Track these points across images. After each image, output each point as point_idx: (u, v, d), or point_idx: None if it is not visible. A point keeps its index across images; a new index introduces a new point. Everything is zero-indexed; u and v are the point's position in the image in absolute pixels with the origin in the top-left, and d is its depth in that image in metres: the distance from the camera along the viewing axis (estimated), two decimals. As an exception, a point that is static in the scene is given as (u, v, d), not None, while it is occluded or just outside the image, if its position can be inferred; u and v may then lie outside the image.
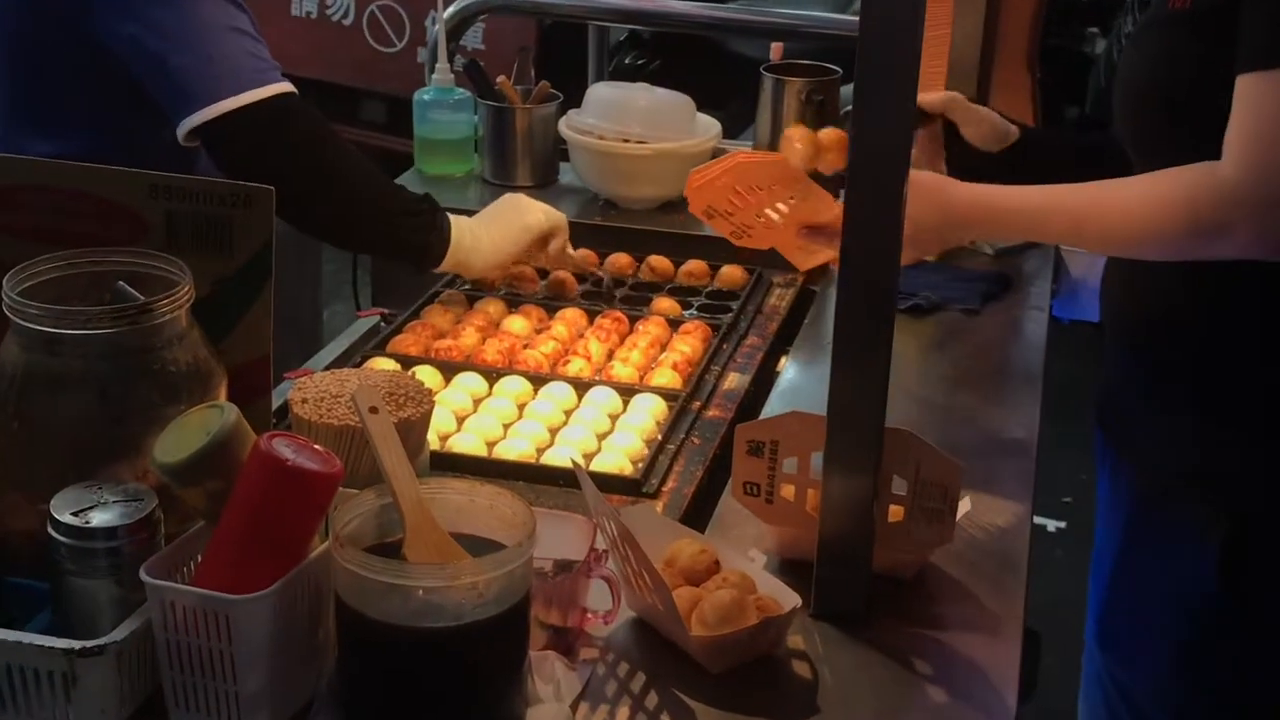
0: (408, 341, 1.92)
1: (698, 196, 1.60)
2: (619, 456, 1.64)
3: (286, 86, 1.79)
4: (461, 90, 2.57)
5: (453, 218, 1.94)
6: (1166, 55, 1.52)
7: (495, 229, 1.99)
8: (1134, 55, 1.58)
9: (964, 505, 1.43)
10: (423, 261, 1.94)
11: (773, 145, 2.39)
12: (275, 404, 1.47)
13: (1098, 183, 1.48)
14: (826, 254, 1.66)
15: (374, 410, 1.22)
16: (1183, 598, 1.58)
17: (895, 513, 1.39)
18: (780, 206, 1.60)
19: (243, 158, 1.76)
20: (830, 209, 1.58)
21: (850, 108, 1.35)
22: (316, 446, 1.18)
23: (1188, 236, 1.40)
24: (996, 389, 1.90)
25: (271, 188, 1.33)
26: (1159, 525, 1.61)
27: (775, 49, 2.56)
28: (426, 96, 2.56)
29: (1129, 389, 1.67)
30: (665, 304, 2.08)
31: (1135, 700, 1.67)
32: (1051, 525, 3.63)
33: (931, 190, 1.54)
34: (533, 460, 1.65)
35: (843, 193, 1.51)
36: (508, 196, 2.07)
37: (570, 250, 2.10)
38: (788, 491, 1.42)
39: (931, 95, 1.82)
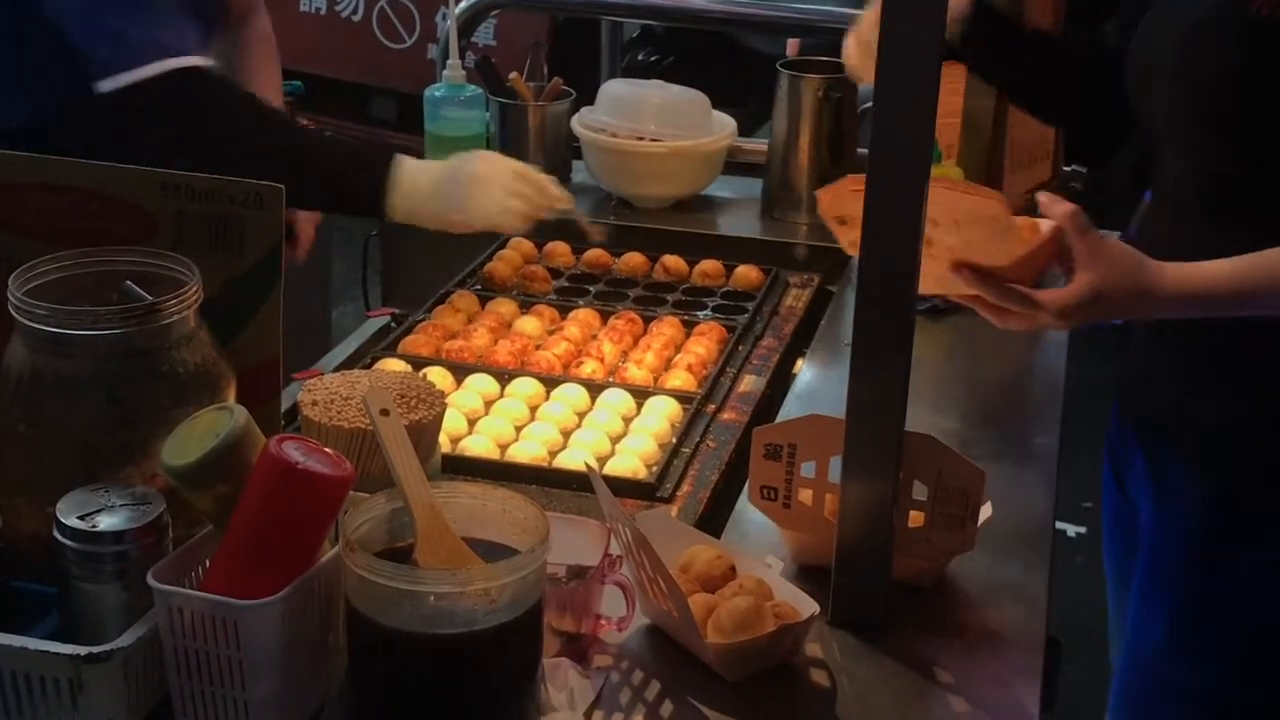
0: (418, 342, 1.90)
1: (840, 202, 1.42)
2: (632, 460, 1.62)
3: (202, 61, 1.77)
4: (473, 87, 2.54)
5: (412, 164, 1.84)
6: (1256, 66, 1.46)
7: (451, 202, 1.84)
8: (1202, 58, 1.51)
9: (985, 511, 1.41)
10: (364, 212, 1.89)
11: (789, 143, 2.37)
12: (285, 406, 1.45)
13: None
14: (967, 291, 1.46)
15: (385, 412, 1.21)
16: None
17: (915, 519, 1.37)
18: (948, 239, 1.39)
19: (155, 127, 1.76)
20: (1010, 253, 1.39)
21: (868, 105, 1.33)
22: (327, 449, 1.16)
23: None
24: (1018, 392, 1.88)
25: (281, 186, 1.31)
26: (1239, 526, 1.58)
27: (791, 45, 2.54)
28: (437, 93, 2.54)
29: (1181, 391, 1.62)
30: (679, 304, 2.06)
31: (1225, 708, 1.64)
32: (1072, 530, 3.61)
33: (1132, 265, 1.42)
34: (545, 463, 1.63)
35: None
36: (481, 167, 1.88)
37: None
38: (806, 496, 1.40)
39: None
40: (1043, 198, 1.44)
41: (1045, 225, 1.41)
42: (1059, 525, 1.67)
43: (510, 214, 1.87)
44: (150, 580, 1.12)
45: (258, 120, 1.82)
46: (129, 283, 1.27)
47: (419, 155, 2.64)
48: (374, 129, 5.30)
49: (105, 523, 1.15)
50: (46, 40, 1.75)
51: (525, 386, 1.78)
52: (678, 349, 1.93)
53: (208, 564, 1.18)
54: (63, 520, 1.15)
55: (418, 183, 1.83)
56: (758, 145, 2.57)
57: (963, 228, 1.38)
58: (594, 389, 1.78)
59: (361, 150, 1.88)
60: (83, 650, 1.11)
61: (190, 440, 1.16)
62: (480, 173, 1.86)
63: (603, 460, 1.63)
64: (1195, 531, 1.63)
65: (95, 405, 1.22)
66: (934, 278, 1.42)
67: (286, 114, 1.95)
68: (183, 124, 1.77)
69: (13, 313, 1.21)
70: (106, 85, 1.72)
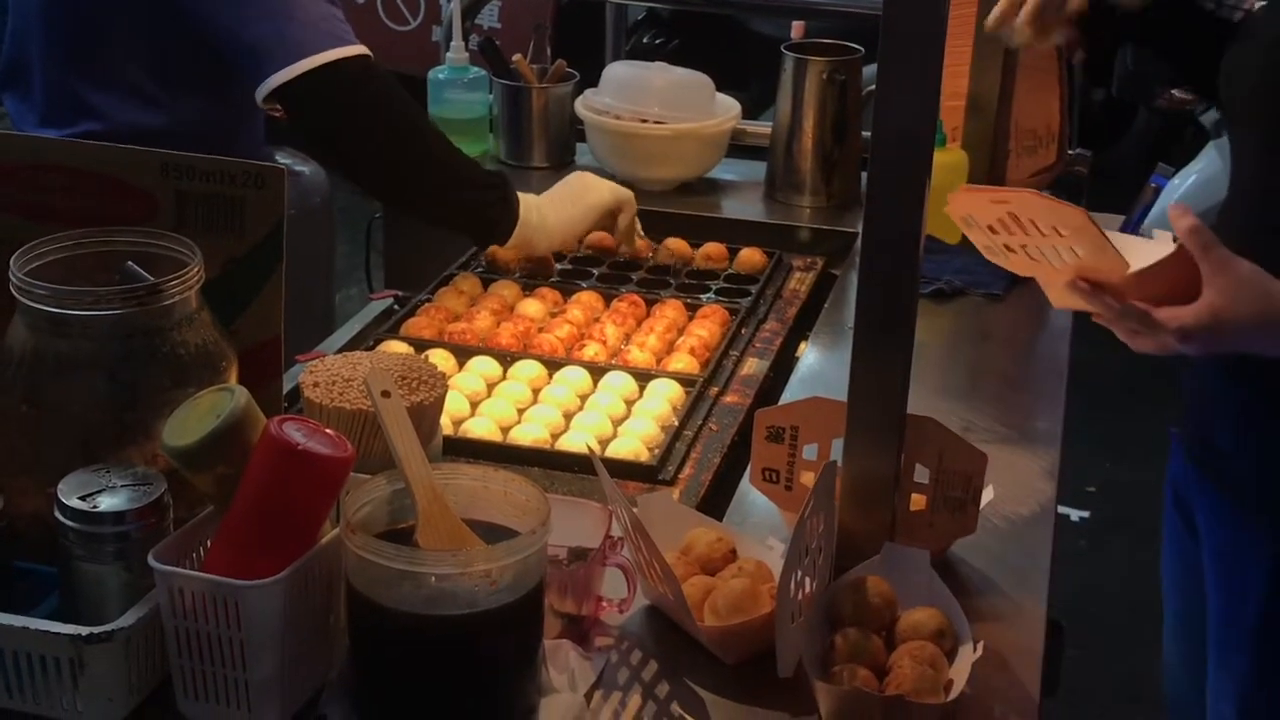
0: (421, 324, 1.90)
1: (966, 202, 1.40)
2: (635, 442, 1.62)
3: (364, 49, 1.78)
4: (476, 69, 2.54)
5: (521, 195, 1.93)
6: None
7: (561, 208, 1.98)
8: None
9: (987, 494, 1.40)
10: (488, 236, 1.94)
11: (793, 126, 2.37)
12: (286, 387, 1.45)
13: None
14: (1085, 304, 1.41)
15: (386, 394, 1.20)
16: None
17: (917, 502, 1.36)
18: (1060, 252, 1.36)
19: (322, 117, 1.77)
20: (1117, 271, 1.34)
21: (873, 87, 1.32)
22: (328, 430, 1.16)
23: None
24: (1021, 376, 1.88)
25: (283, 169, 1.31)
26: None
27: (796, 28, 2.53)
28: (441, 75, 2.54)
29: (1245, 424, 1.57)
30: (682, 287, 2.06)
31: None
32: (1075, 515, 3.62)
33: (1259, 290, 1.31)
34: (547, 446, 1.63)
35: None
36: (575, 175, 2.04)
37: (638, 229, 2.09)
38: (807, 478, 1.40)
39: None
40: (1172, 210, 1.35)
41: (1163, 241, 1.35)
42: (1063, 510, 1.66)
43: (619, 191, 2.03)
44: (151, 561, 1.12)
45: (415, 109, 1.85)
46: (130, 263, 1.27)
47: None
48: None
49: (106, 503, 1.15)
50: (197, 45, 1.76)
51: (527, 369, 1.78)
52: (680, 332, 1.92)
53: (209, 544, 1.18)
54: (64, 501, 1.15)
55: (529, 218, 1.92)
56: (762, 128, 2.57)
57: (1066, 238, 1.32)
58: (596, 371, 1.78)
59: (490, 176, 1.94)
60: (84, 630, 1.11)
61: (191, 421, 1.16)
62: (584, 174, 2.04)
63: (604, 443, 1.63)
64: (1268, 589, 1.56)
65: (96, 386, 1.22)
66: (1062, 289, 1.38)
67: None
68: (351, 108, 1.77)
69: (14, 293, 1.21)
70: (281, 77, 1.72)
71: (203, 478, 1.17)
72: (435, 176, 1.85)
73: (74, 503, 1.15)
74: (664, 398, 1.72)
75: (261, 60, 1.73)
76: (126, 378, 1.22)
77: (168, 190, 1.32)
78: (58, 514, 1.15)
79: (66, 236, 1.27)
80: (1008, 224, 1.37)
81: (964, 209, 1.41)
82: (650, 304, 1.99)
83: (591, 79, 2.52)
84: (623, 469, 1.55)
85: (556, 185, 2.03)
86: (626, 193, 2.05)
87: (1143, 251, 1.37)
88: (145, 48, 1.81)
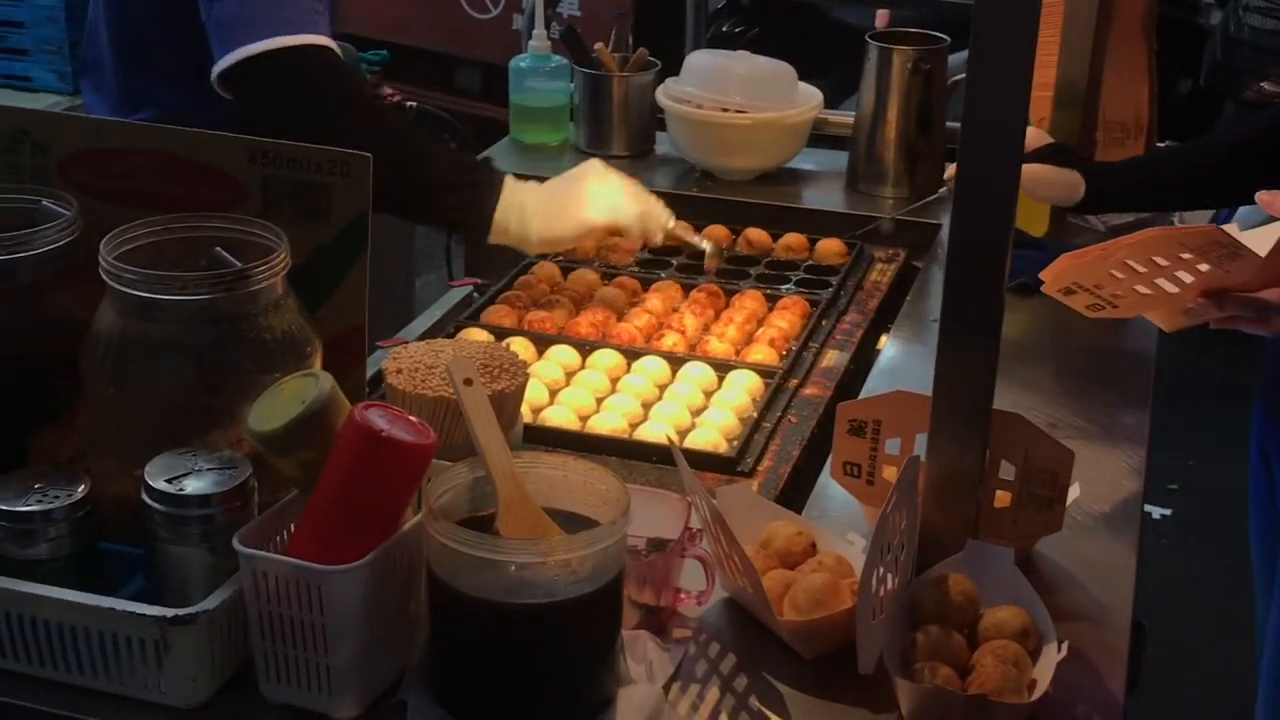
0: (501, 312, 1.90)
1: (1067, 271, 1.43)
2: (713, 433, 1.61)
3: (322, 40, 1.70)
4: (558, 57, 2.54)
5: (510, 190, 1.80)
6: None
7: (548, 219, 1.81)
8: None
9: (1073, 492, 1.38)
10: (459, 233, 1.89)
11: (876, 116, 2.34)
12: (369, 374, 1.46)
13: None
14: (1201, 319, 1.49)
15: (469, 382, 1.21)
16: None
17: (1002, 499, 1.34)
18: (1181, 276, 1.40)
19: (261, 103, 1.70)
20: (1249, 270, 1.39)
21: (959, 77, 1.30)
22: (411, 417, 1.16)
23: None
24: (1107, 372, 1.84)
25: (368, 157, 1.31)
26: None
27: (881, 16, 2.52)
28: (522, 64, 2.54)
29: None
30: (762, 278, 2.05)
31: None
32: (1157, 513, 3.56)
33: None
34: (625, 435, 1.62)
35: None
36: (578, 173, 1.86)
37: (669, 229, 1.91)
38: (890, 473, 1.38)
39: None
40: (1263, 196, 1.41)
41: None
42: (1145, 508, 1.64)
43: (622, 210, 1.82)
44: (235, 544, 1.13)
45: (374, 106, 1.79)
46: (218, 249, 1.28)
47: (504, 126, 2.66)
48: (459, 99, 5.32)
49: (192, 486, 1.16)
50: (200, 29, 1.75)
51: (606, 358, 1.78)
52: (760, 323, 1.91)
53: (292, 529, 1.19)
54: (150, 483, 1.16)
55: (520, 225, 1.80)
56: (844, 118, 2.55)
57: (1189, 260, 1.37)
58: (675, 362, 1.78)
59: (469, 160, 1.83)
60: (169, 612, 1.12)
61: (276, 406, 1.17)
62: (596, 172, 1.85)
63: (683, 433, 1.62)
64: None
65: (183, 370, 1.23)
66: (1177, 314, 1.46)
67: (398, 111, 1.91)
68: (300, 97, 1.70)
69: (104, 277, 1.23)
70: (230, 59, 1.67)
71: (287, 462, 1.17)
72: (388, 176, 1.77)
73: (160, 485, 1.16)
74: (743, 389, 1.71)
75: (218, 44, 1.68)
76: (213, 362, 1.23)
77: (255, 176, 1.33)
78: (144, 496, 1.17)
79: (156, 221, 1.28)
80: (1117, 275, 1.39)
81: (1067, 278, 1.41)
82: (729, 294, 1.98)
83: (672, 67, 2.51)
84: (701, 460, 1.55)
85: (556, 181, 1.85)
86: (631, 214, 1.84)
87: (1262, 241, 1.40)
88: (172, 34, 1.81)
